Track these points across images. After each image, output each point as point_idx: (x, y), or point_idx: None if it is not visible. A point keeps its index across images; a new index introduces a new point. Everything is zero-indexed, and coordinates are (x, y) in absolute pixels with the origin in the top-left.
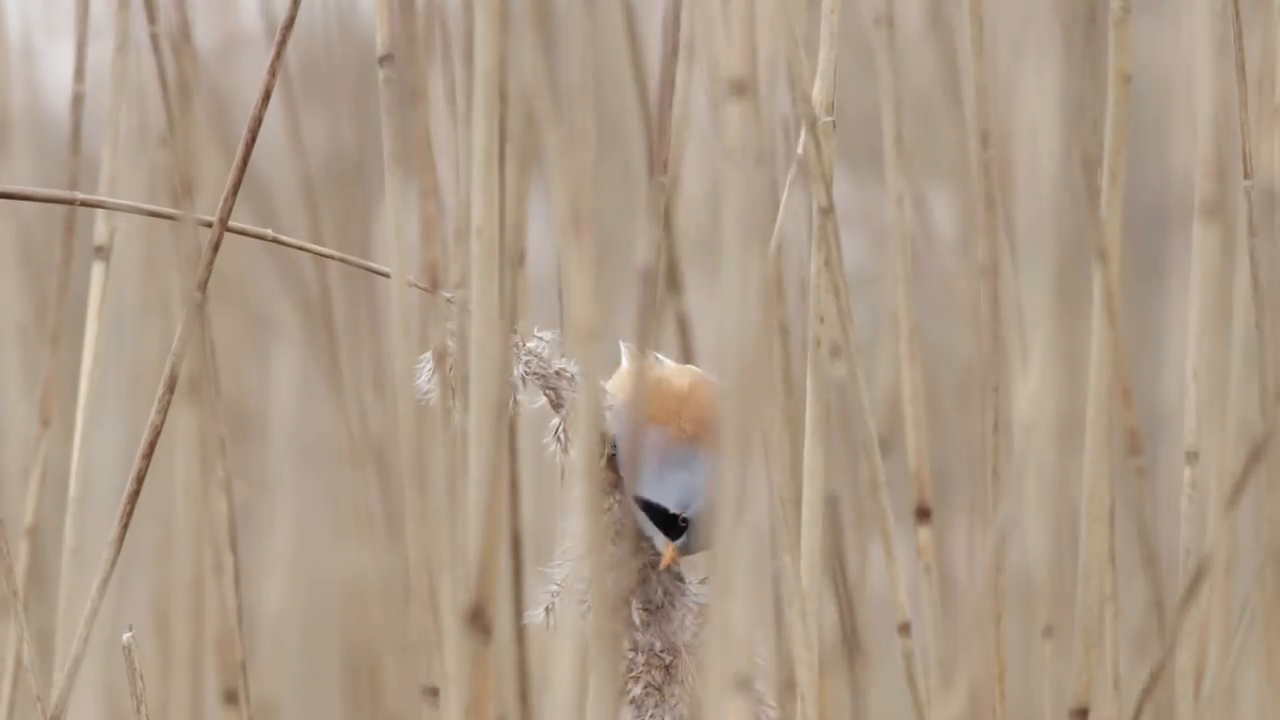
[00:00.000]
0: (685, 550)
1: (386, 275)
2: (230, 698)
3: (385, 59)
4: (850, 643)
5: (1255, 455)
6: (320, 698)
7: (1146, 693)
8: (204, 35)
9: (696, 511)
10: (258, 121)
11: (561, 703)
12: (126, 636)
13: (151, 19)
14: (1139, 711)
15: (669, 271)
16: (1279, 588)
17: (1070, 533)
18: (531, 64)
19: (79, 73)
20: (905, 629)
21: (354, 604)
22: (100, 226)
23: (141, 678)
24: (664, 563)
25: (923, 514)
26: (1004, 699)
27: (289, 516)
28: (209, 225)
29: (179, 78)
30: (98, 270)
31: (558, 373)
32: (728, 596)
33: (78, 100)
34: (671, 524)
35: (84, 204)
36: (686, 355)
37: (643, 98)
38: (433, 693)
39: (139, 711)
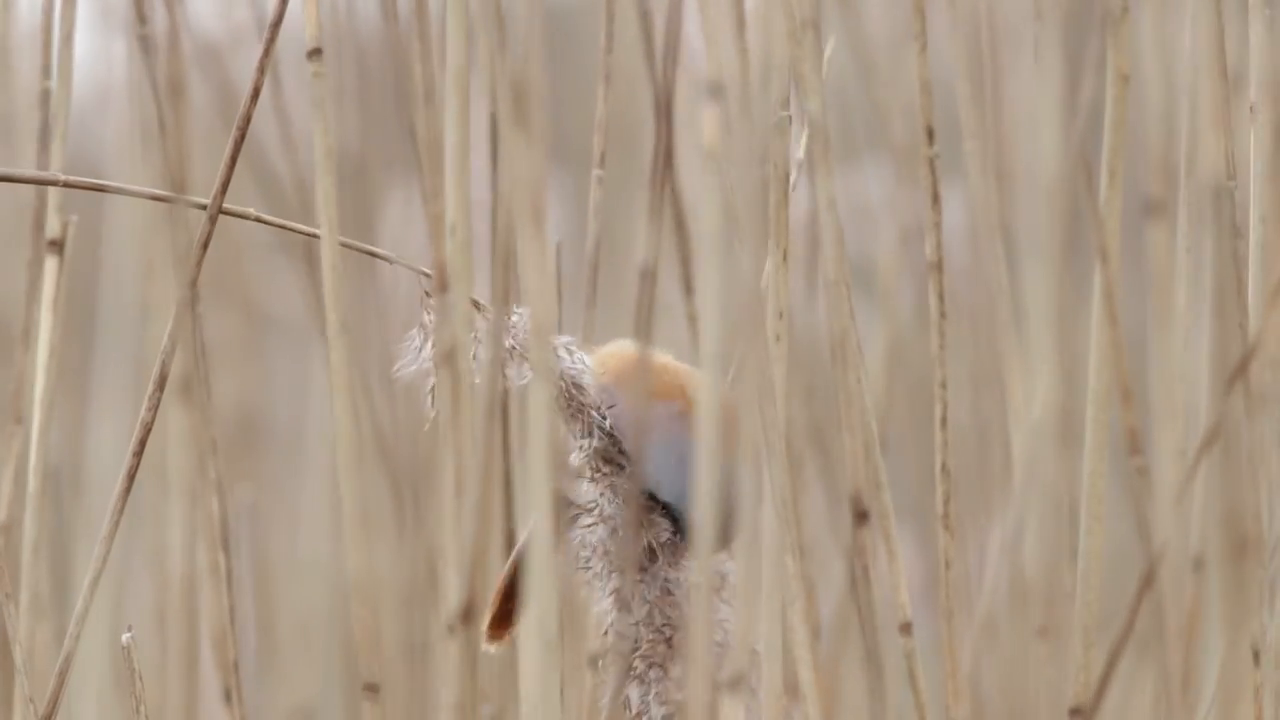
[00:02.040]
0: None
1: (383, 258)
2: (227, 697)
3: (314, 53)
4: (868, 643)
5: (1206, 444)
6: (349, 701)
7: (1104, 680)
8: (214, 26)
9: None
10: (246, 119)
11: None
12: (126, 637)
13: (141, 19)
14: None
15: (682, 273)
16: (1236, 581)
17: (1063, 532)
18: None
19: (45, 69)
20: (907, 628)
21: (363, 605)
22: (52, 220)
23: (141, 678)
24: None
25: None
26: (958, 697)
27: (316, 517)
28: (203, 207)
29: (172, 76)
30: (50, 264)
31: None
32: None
33: (45, 97)
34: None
35: (67, 185)
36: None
37: (657, 100)
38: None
39: (139, 712)
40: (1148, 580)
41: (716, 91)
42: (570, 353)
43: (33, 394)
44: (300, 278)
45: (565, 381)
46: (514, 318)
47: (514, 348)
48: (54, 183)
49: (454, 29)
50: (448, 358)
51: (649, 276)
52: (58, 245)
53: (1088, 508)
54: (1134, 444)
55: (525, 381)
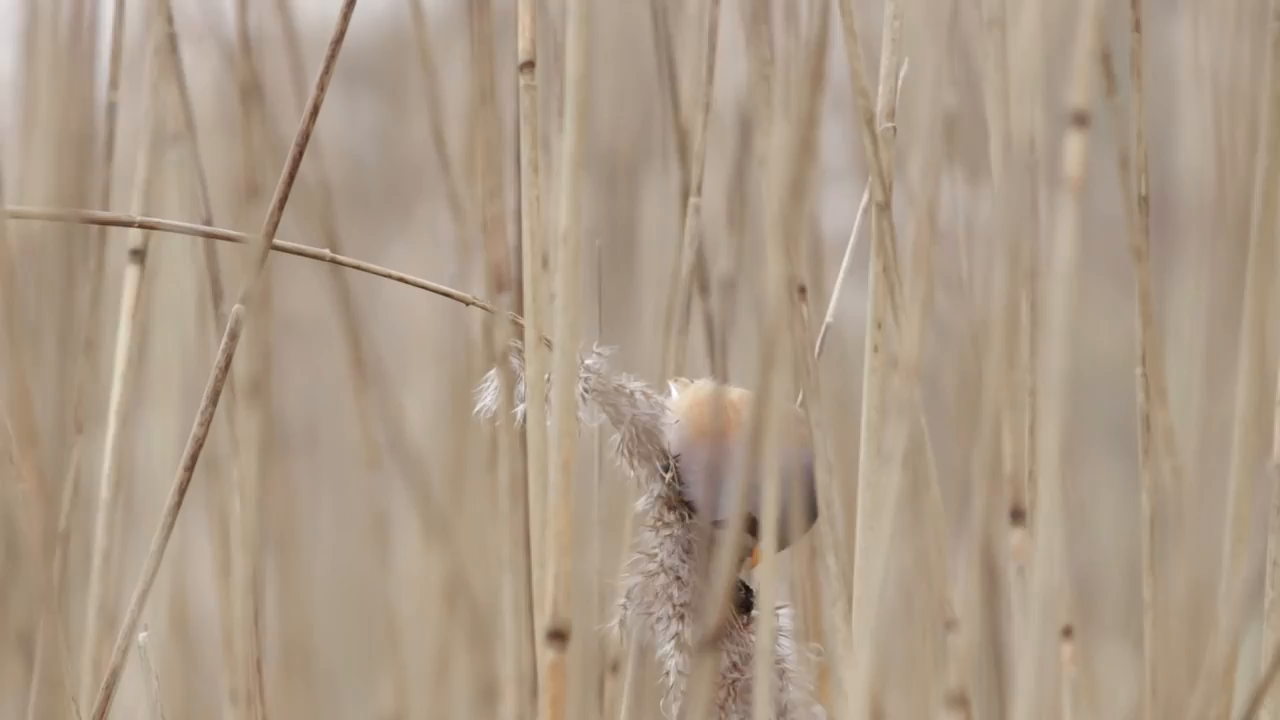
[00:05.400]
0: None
1: (458, 298)
2: (247, 699)
3: (526, 66)
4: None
5: None
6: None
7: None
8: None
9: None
10: (305, 136)
11: None
12: (142, 636)
13: (169, 20)
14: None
15: (698, 274)
16: None
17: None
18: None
19: (114, 81)
20: (952, 625)
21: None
22: (134, 230)
23: (157, 679)
24: (752, 561)
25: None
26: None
27: (329, 521)
28: (234, 238)
29: (245, 82)
30: (131, 273)
31: (616, 389)
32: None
33: (111, 109)
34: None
35: (143, 226)
36: (712, 352)
37: (676, 115)
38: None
39: (157, 711)
40: None
41: (1081, 120)
42: (647, 397)
43: (109, 402)
44: (319, 284)
45: (636, 427)
46: (590, 360)
47: (586, 392)
48: (129, 223)
49: (575, 36)
50: (501, 361)
51: (684, 291)
52: (139, 254)
53: (1232, 530)
54: (1169, 446)
55: (595, 424)
